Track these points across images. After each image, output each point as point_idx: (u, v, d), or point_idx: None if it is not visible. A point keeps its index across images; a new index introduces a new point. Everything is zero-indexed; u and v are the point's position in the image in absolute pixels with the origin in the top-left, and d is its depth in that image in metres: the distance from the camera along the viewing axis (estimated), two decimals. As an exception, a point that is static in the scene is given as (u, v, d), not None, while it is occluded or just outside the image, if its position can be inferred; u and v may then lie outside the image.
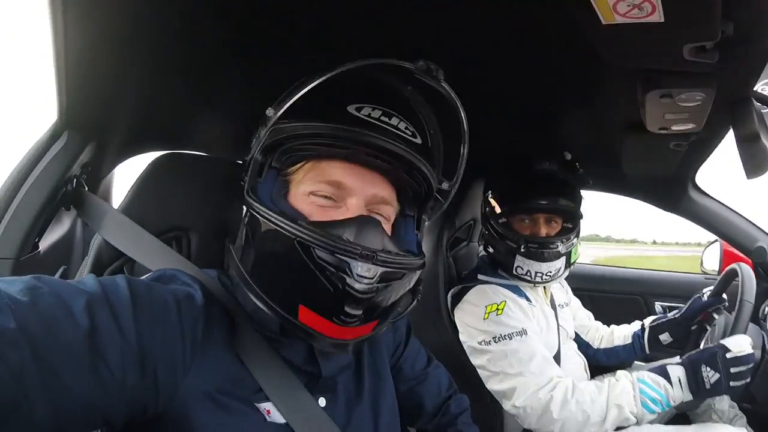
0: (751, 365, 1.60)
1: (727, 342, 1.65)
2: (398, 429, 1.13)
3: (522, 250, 1.87)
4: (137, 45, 1.01)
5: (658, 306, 2.99)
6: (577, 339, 2.33)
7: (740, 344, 1.64)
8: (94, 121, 1.13)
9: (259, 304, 0.86)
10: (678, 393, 1.64)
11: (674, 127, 1.40)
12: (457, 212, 2.32)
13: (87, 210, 1.11)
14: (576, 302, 2.45)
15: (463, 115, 0.99)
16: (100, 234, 1.08)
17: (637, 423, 1.64)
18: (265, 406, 0.87)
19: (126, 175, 1.56)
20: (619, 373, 1.75)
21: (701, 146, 1.72)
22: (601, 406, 1.64)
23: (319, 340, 0.87)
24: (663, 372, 1.68)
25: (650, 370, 1.70)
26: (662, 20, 0.87)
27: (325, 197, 0.90)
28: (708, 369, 1.62)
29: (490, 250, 2.04)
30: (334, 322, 0.83)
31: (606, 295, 3.08)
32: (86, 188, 1.16)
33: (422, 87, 0.98)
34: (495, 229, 1.95)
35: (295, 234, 0.81)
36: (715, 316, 2.10)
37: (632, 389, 1.66)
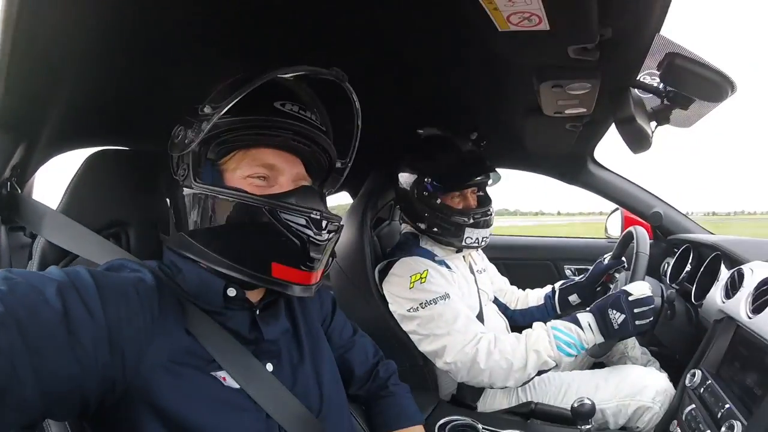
0: (651, 306, 1.76)
1: (628, 287, 1.82)
2: (341, 387, 1.26)
3: (470, 221, 2.05)
4: (73, 45, 1.00)
5: (567, 270, 3.21)
6: (496, 302, 2.51)
7: (639, 288, 1.80)
8: (24, 122, 1.11)
9: (231, 273, 0.98)
10: (590, 336, 1.79)
11: (567, 111, 1.55)
12: (380, 193, 2.40)
13: (24, 213, 1.10)
14: (492, 268, 2.63)
15: (357, 107, 1.20)
16: (42, 236, 1.09)
17: (557, 366, 1.79)
18: (221, 374, 0.97)
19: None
20: (535, 324, 1.90)
21: (595, 126, 1.90)
22: (521, 353, 1.78)
23: (291, 289, 1.02)
24: (574, 319, 1.83)
25: (562, 319, 1.86)
26: (548, 29, 1.00)
27: (260, 178, 1.04)
28: (614, 311, 1.78)
29: (423, 226, 2.13)
30: (301, 270, 1.01)
31: (520, 262, 3.26)
32: (20, 191, 1.13)
33: (319, 85, 1.13)
34: (437, 208, 2.07)
35: (263, 203, 0.97)
36: (617, 275, 2.30)
37: (547, 335, 1.80)
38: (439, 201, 2.07)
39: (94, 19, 0.96)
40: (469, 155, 2.08)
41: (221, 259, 0.98)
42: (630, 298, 1.79)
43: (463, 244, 2.08)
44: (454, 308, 1.91)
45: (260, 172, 1.05)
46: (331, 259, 1.14)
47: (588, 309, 1.87)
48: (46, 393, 0.72)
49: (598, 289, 2.38)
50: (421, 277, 1.96)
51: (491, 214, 2.14)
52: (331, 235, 1.05)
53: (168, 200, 1.08)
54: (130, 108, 1.41)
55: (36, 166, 1.32)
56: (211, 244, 0.99)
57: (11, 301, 0.71)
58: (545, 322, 1.88)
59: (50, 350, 0.73)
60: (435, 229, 2.09)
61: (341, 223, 1.09)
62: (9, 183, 1.11)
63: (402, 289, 1.99)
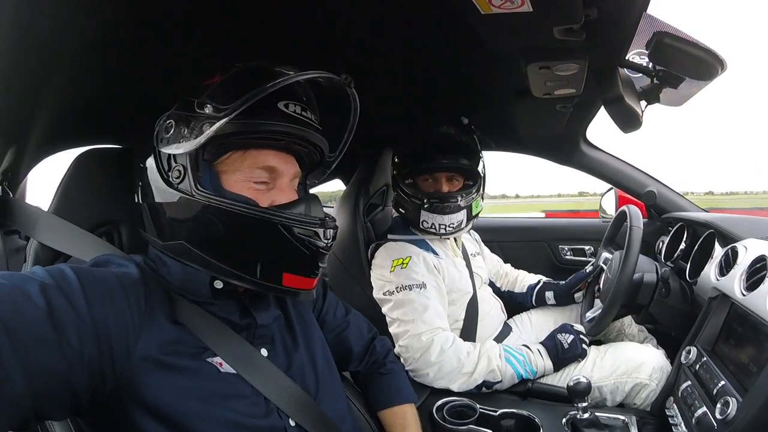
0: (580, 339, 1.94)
1: (572, 323, 2.03)
2: (335, 370, 1.27)
3: (426, 205, 2.03)
4: (59, 47, 1.00)
5: (562, 250, 3.22)
6: (491, 285, 2.55)
7: (579, 327, 2.00)
8: (13, 126, 1.11)
9: (240, 282, 0.98)
10: (539, 359, 1.88)
11: (556, 92, 1.54)
12: (371, 180, 2.42)
13: (17, 217, 1.10)
14: (486, 251, 2.65)
15: (357, 107, 1.18)
16: (35, 238, 1.09)
17: (500, 383, 1.84)
18: (216, 359, 0.97)
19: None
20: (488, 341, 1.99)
21: (585, 107, 1.91)
22: (474, 358, 1.83)
23: (301, 295, 1.05)
24: (524, 346, 1.95)
25: None
26: (531, 10, 0.99)
27: (260, 181, 1.04)
28: (563, 334, 1.94)
29: (401, 210, 2.18)
30: (310, 277, 1.04)
31: (514, 243, 3.27)
32: (11, 194, 1.14)
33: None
34: (402, 189, 2.10)
35: (277, 218, 0.98)
36: (609, 255, 2.29)
37: (498, 348, 1.88)
38: (408, 181, 2.11)
39: (80, 19, 0.95)
40: (439, 138, 2.08)
41: (229, 269, 0.98)
42: (575, 327, 1.98)
43: (420, 227, 2.08)
44: (426, 299, 1.94)
45: (260, 176, 1.04)
46: None
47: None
48: (36, 391, 0.73)
49: (575, 294, 2.41)
50: (402, 263, 2.00)
51: (456, 202, 2.05)
52: (332, 239, 1.06)
53: (148, 201, 1.04)
54: (120, 106, 1.41)
55: (27, 168, 1.32)
56: (217, 253, 0.98)
57: None
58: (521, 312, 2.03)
59: (37, 349, 0.73)
60: (400, 210, 2.16)
61: (336, 222, 1.09)
62: (0, 187, 1.11)
63: (383, 271, 2.04)
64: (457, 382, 1.82)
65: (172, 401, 0.88)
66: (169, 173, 0.99)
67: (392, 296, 1.97)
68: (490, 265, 2.62)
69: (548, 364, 1.87)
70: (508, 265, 2.76)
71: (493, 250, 2.75)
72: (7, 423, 0.71)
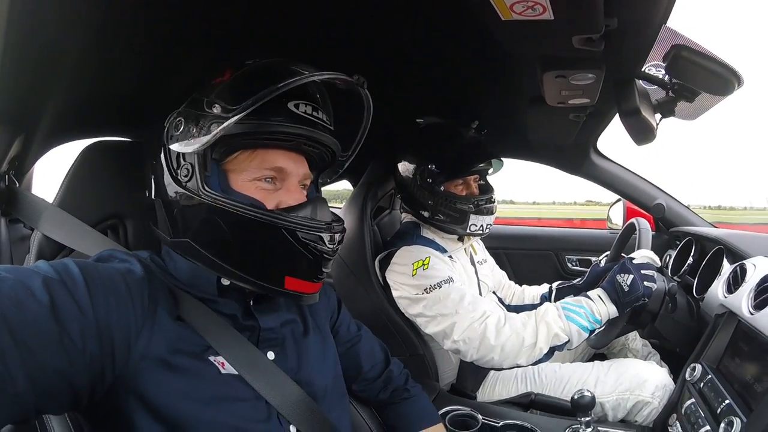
0: (655, 271, 1.80)
1: (631, 255, 1.87)
2: (342, 382, 1.25)
3: (474, 208, 2.05)
4: (68, 36, 0.98)
5: (569, 261, 3.20)
6: (494, 295, 2.50)
7: (642, 253, 1.86)
8: (22, 115, 1.10)
9: (243, 284, 0.98)
10: (601, 306, 1.79)
11: (571, 102, 1.53)
12: (379, 183, 2.40)
13: (22, 207, 1.10)
14: (491, 260, 2.61)
15: (370, 109, 1.15)
16: (39, 230, 1.09)
17: (569, 342, 1.76)
18: (218, 359, 0.96)
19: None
20: (545, 303, 1.91)
21: (598, 117, 1.88)
22: (532, 328, 1.77)
23: (303, 299, 1.04)
24: (583, 295, 1.85)
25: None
26: (552, 18, 0.97)
27: (268, 182, 1.02)
28: (622, 275, 1.80)
29: (426, 214, 2.13)
30: (313, 282, 1.04)
31: (520, 252, 3.25)
32: (18, 184, 1.13)
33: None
34: (441, 195, 2.07)
35: (282, 222, 0.96)
36: None
37: (555, 309, 1.80)
38: (442, 188, 2.07)
39: (91, 11, 0.94)
40: (472, 142, 2.09)
41: (232, 269, 0.97)
42: (635, 262, 1.83)
43: (468, 231, 2.08)
44: (459, 289, 1.91)
45: (268, 176, 1.02)
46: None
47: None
48: (38, 388, 0.72)
49: None
50: (423, 264, 1.96)
51: (494, 201, 2.13)
52: (338, 243, 1.05)
53: (161, 197, 1.03)
54: (129, 98, 1.39)
55: (34, 158, 1.31)
56: (221, 253, 0.97)
57: None
58: None
59: (39, 344, 0.72)
60: (439, 216, 2.09)
61: (344, 225, 1.09)
62: (6, 176, 1.10)
63: (405, 277, 2.00)
64: (522, 357, 1.77)
65: (169, 401, 0.87)
66: (178, 171, 0.99)
67: (422, 299, 1.94)
68: (496, 275, 2.59)
69: (611, 308, 1.79)
70: (511, 281, 2.71)
71: (498, 258, 2.72)
72: (7, 419, 0.70)
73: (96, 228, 1.13)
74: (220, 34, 1.23)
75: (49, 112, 1.17)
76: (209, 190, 0.95)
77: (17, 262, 1.84)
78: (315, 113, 1.04)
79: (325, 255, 1.01)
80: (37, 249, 1.11)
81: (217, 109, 0.95)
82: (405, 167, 2.16)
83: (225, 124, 0.91)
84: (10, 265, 0.80)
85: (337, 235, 1.03)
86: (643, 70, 1.38)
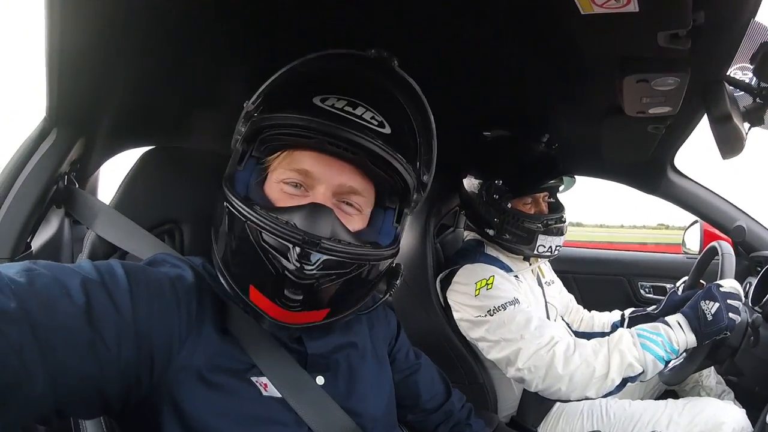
0: (742, 302, 1.66)
1: (718, 282, 1.70)
2: (394, 411, 1.18)
3: (544, 228, 1.95)
4: (128, 41, 1.01)
5: (642, 288, 3.05)
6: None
7: (729, 282, 1.69)
8: (82, 118, 1.13)
9: (224, 284, 0.92)
10: (680, 335, 1.65)
11: (651, 111, 1.43)
12: (443, 199, 2.34)
13: (78, 207, 1.12)
14: (559, 283, 2.48)
15: (421, 97, 1.02)
16: (93, 230, 1.09)
17: (643, 374, 1.64)
18: (262, 380, 0.90)
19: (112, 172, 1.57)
20: (618, 330, 1.78)
21: (678, 129, 1.77)
22: (604, 356, 1.66)
23: (263, 320, 0.93)
24: (661, 321, 1.71)
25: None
26: (637, 10, 0.90)
27: (295, 185, 0.94)
28: (706, 302, 1.65)
29: (491, 232, 2.02)
30: (276, 304, 0.86)
31: (591, 277, 3.12)
32: (77, 185, 1.16)
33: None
34: (508, 213, 1.97)
35: (246, 218, 0.84)
36: None
37: (630, 336, 1.68)
38: (509, 205, 1.97)
39: (145, 15, 0.97)
40: (542, 157, 1.98)
41: (220, 266, 0.93)
42: (722, 289, 1.67)
43: (535, 252, 1.98)
44: (525, 312, 1.81)
45: (293, 178, 0.93)
46: (368, 300, 1.04)
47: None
48: (59, 392, 0.67)
49: None
50: (487, 284, 1.87)
51: (565, 221, 2.02)
52: (323, 269, 0.85)
53: None
54: (186, 106, 1.43)
55: (97, 163, 1.38)
56: (219, 249, 0.94)
57: (26, 294, 0.66)
58: None
59: (65, 346, 0.68)
60: (506, 236, 1.99)
61: (362, 258, 0.91)
62: (67, 177, 1.15)
63: (467, 297, 1.91)
64: (592, 388, 1.66)
65: (205, 417, 0.82)
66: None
67: (485, 322, 1.84)
68: (564, 298, 2.45)
69: (690, 337, 1.64)
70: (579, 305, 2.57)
71: (565, 282, 2.58)
72: (22, 421, 0.66)
73: (152, 232, 1.12)
74: (279, 36, 1.22)
75: (108, 117, 1.21)
76: (226, 184, 0.92)
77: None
78: (349, 108, 0.92)
79: (288, 274, 0.83)
80: (90, 249, 1.11)
81: (246, 105, 0.95)
82: (470, 182, 2.07)
83: (244, 116, 0.91)
84: (52, 262, 0.76)
85: (323, 257, 0.84)
86: (727, 73, 1.29)
